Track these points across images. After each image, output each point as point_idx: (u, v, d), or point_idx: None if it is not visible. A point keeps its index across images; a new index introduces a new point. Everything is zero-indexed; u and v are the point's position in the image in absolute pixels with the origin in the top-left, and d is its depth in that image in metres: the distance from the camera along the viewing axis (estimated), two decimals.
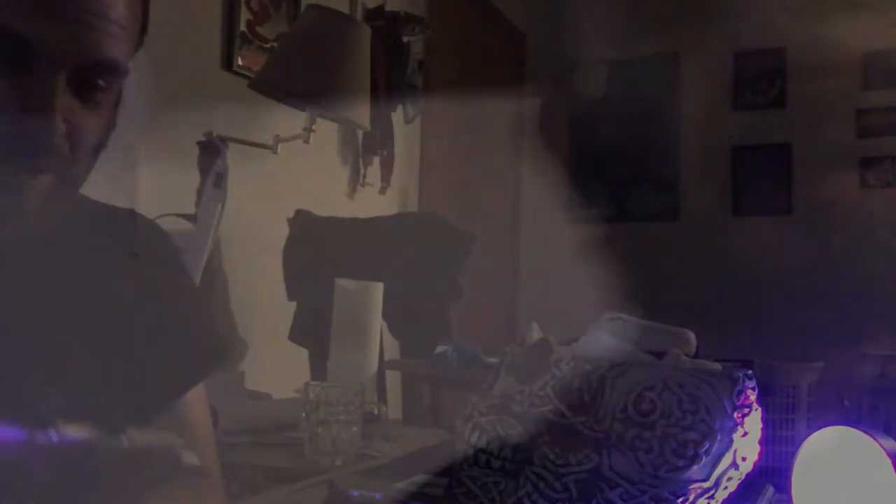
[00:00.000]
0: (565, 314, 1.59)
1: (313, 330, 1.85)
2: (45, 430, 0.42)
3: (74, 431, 0.43)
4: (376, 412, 1.40)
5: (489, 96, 3.67)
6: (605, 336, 0.43)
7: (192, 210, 1.66)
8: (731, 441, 0.41)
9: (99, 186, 0.68)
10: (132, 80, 0.62)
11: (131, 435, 0.46)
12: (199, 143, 1.67)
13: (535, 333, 0.47)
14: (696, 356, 0.50)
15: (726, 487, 0.43)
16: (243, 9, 2.20)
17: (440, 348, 1.88)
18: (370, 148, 2.77)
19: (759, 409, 0.43)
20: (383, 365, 1.81)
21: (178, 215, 1.67)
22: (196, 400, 0.73)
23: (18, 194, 0.58)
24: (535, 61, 4.05)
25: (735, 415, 0.41)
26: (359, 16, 2.66)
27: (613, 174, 3.93)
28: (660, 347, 0.43)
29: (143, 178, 1.76)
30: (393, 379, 2.15)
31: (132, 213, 0.74)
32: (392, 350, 2.19)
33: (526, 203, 4.03)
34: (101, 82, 0.60)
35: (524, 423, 0.41)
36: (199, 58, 2.10)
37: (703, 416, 0.40)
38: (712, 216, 3.73)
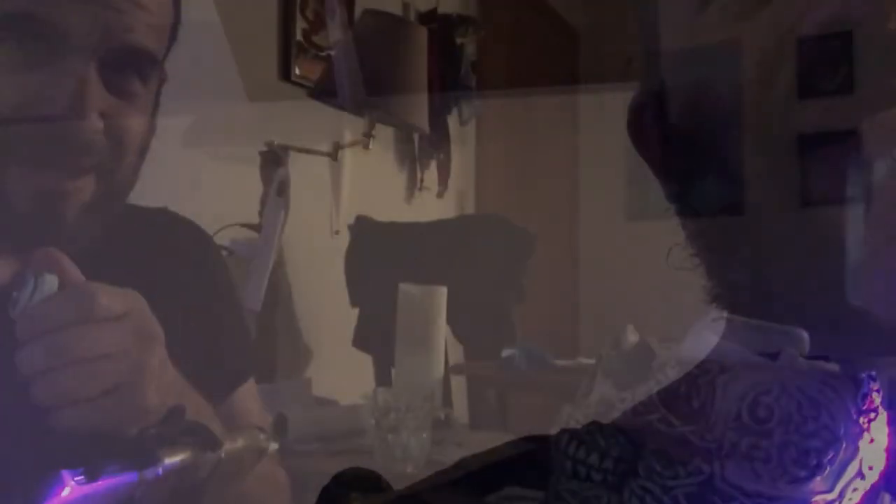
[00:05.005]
0: (628, 314, 1.55)
1: (377, 335, 1.84)
2: (151, 465, 0.41)
3: (176, 457, 0.42)
4: (443, 417, 1.39)
5: (544, 95, 3.64)
6: (711, 337, 0.40)
7: (255, 219, 1.67)
8: (857, 449, 0.37)
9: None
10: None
11: (225, 444, 0.45)
12: (260, 152, 1.69)
13: (632, 336, 0.44)
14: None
15: (851, 499, 0.39)
16: (298, 18, 2.21)
17: (507, 351, 1.85)
18: (427, 152, 2.76)
19: (885, 413, 0.39)
20: (448, 369, 1.79)
21: (242, 225, 1.68)
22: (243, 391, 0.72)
23: (57, 203, 0.52)
24: (589, 58, 3.99)
25: (861, 420, 0.37)
26: (412, 19, 2.65)
27: (674, 168, 3.84)
28: (771, 348, 0.40)
29: (207, 188, 1.78)
30: (457, 383, 2.13)
31: (168, 213, 0.70)
32: (455, 354, 2.17)
33: (584, 201, 3.97)
34: (134, 74, 0.55)
35: (627, 432, 0.38)
36: (256, 68, 2.12)
37: (826, 422, 0.36)
38: None
